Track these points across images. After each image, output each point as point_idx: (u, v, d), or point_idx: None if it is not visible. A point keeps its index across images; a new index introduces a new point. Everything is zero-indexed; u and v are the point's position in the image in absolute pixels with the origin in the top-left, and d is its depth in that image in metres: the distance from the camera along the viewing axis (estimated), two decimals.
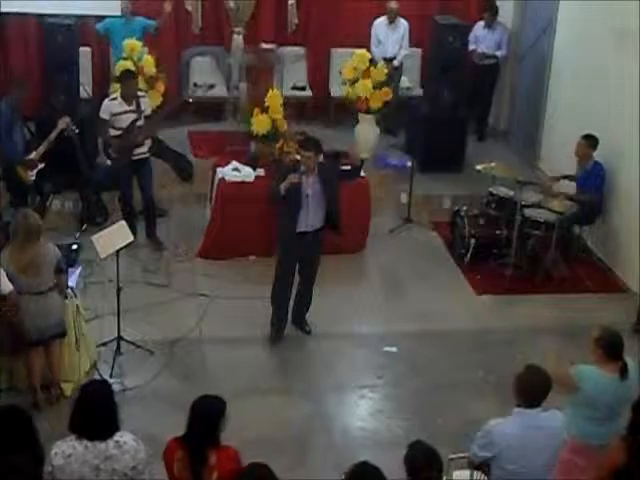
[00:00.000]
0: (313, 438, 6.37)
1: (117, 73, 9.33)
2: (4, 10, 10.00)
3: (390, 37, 11.10)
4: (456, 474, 5.22)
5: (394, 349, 7.43)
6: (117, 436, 4.34)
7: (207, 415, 4.41)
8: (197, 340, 7.36)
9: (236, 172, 8.64)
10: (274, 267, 7.36)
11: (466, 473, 5.07)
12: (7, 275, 5.93)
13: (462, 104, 10.81)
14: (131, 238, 7.14)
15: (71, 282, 6.72)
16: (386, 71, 10.33)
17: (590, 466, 5.09)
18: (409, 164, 9.71)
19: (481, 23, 11.38)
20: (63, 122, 8.47)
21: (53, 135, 8.44)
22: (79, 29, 10.09)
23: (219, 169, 8.77)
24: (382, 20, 11.12)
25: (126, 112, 8.26)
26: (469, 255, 8.72)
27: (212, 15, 11.37)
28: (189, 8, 11.14)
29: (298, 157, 7.32)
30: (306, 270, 7.39)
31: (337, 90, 11.20)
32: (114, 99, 8.35)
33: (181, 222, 9.24)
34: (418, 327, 7.72)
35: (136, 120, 8.28)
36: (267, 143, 9.01)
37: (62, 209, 9.16)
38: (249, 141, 9.21)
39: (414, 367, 7.22)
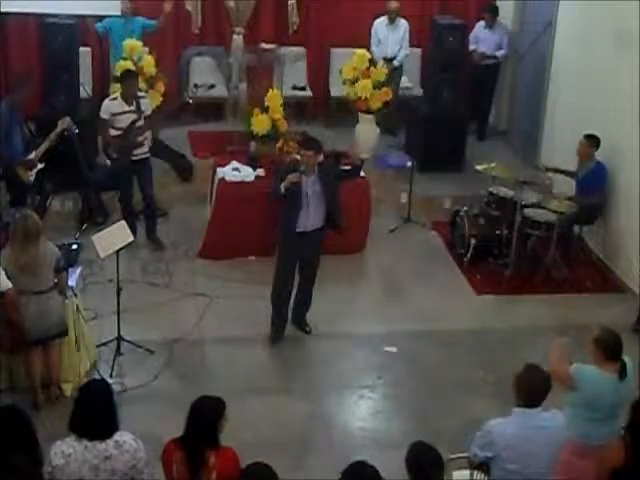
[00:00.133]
0: (313, 438, 6.37)
1: (117, 73, 9.34)
2: (4, 10, 9.97)
3: (390, 37, 11.10)
4: (456, 474, 5.22)
5: (394, 349, 7.43)
6: (117, 436, 4.35)
7: (206, 416, 4.41)
8: (197, 340, 7.36)
9: (236, 172, 8.64)
10: (274, 267, 7.36)
11: (466, 473, 5.07)
12: (6, 274, 5.93)
13: (462, 104, 10.82)
14: (131, 238, 7.14)
15: (71, 282, 6.71)
16: (386, 71, 10.34)
17: (589, 466, 5.09)
18: (409, 164, 9.71)
19: (481, 23, 11.39)
20: (63, 122, 8.46)
21: (53, 135, 8.42)
22: (79, 29, 10.10)
23: (219, 169, 8.77)
24: (382, 20, 11.13)
25: (126, 112, 8.26)
26: (469, 255, 8.72)
27: (212, 15, 11.36)
28: (189, 8, 11.13)
29: (298, 157, 7.32)
30: (306, 270, 7.39)
31: (337, 90, 11.20)
32: (114, 99, 8.35)
33: (181, 222, 9.23)
34: (418, 327, 7.72)
35: (136, 120, 8.28)
36: (267, 143, 9.02)
37: (62, 209, 9.16)
38: (249, 141, 9.21)
39: (414, 367, 7.22)
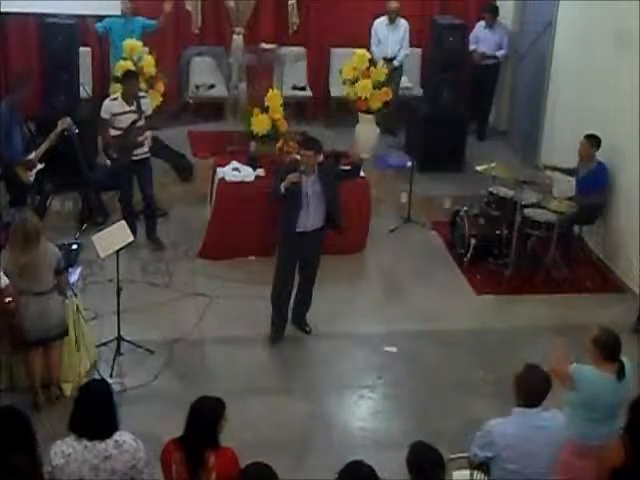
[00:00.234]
0: (313, 438, 6.37)
1: (117, 73, 9.35)
2: (4, 10, 9.98)
3: (390, 37, 11.11)
4: (456, 474, 5.22)
5: (394, 349, 7.43)
6: (116, 436, 4.35)
7: (206, 416, 4.41)
8: (197, 340, 7.36)
9: (236, 172, 8.64)
10: (274, 267, 7.36)
11: (466, 473, 5.07)
12: (6, 275, 5.93)
13: (462, 104, 10.82)
14: (131, 238, 7.14)
15: (71, 282, 6.71)
16: (386, 71, 10.34)
17: (589, 466, 5.09)
18: (409, 164, 9.71)
19: (481, 23, 11.39)
20: (63, 122, 8.46)
21: (53, 135, 8.42)
22: (79, 29, 10.10)
23: (219, 169, 8.77)
24: (382, 20, 11.13)
25: (126, 112, 8.25)
26: (469, 255, 8.71)
27: (212, 15, 11.37)
28: (189, 8, 11.14)
29: (298, 157, 7.32)
30: (306, 270, 7.39)
31: (337, 90, 11.20)
32: (115, 99, 8.34)
33: (181, 222, 9.23)
34: (418, 327, 7.72)
35: (136, 120, 8.28)
36: (267, 143, 9.02)
37: (62, 209, 9.16)
38: (249, 141, 9.21)
39: (414, 367, 7.22)
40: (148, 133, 8.57)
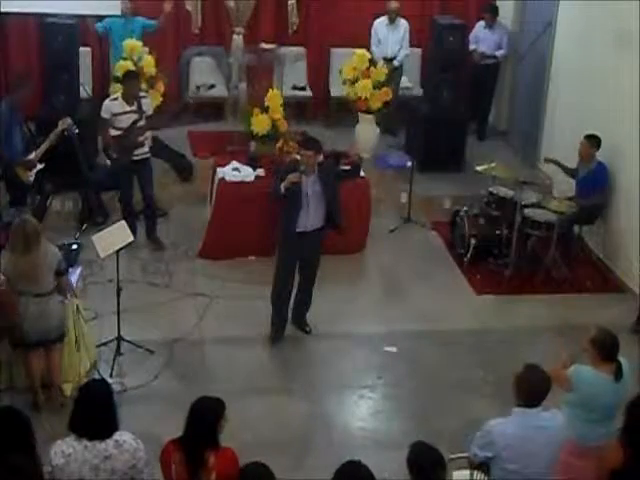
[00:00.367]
0: (313, 438, 6.37)
1: (117, 73, 9.35)
2: (4, 10, 9.99)
3: (390, 37, 11.11)
4: (456, 474, 5.22)
5: (394, 349, 7.43)
6: (116, 436, 4.35)
7: (205, 417, 4.41)
8: (197, 340, 7.36)
9: (236, 172, 8.64)
10: (274, 267, 7.36)
11: (466, 473, 5.07)
12: (7, 276, 5.92)
13: (462, 104, 10.82)
14: (131, 238, 7.14)
15: (71, 282, 6.71)
16: (386, 71, 10.34)
17: (588, 466, 5.09)
18: (409, 164, 9.70)
19: (481, 23, 11.39)
20: (63, 122, 8.46)
21: (53, 135, 8.42)
22: (79, 29, 10.10)
23: (219, 169, 8.77)
24: (382, 20, 11.13)
25: (127, 112, 8.25)
26: (469, 255, 8.71)
27: (212, 15, 11.37)
28: (189, 8, 11.14)
29: (298, 157, 7.32)
30: (306, 270, 7.39)
31: (337, 90, 11.20)
32: (115, 99, 8.34)
33: (181, 222, 9.23)
34: (418, 327, 7.72)
35: (137, 121, 8.28)
36: (267, 143, 9.02)
37: (62, 209, 9.16)
38: (249, 141, 9.21)
39: (414, 367, 7.22)
40: (148, 133, 8.58)
